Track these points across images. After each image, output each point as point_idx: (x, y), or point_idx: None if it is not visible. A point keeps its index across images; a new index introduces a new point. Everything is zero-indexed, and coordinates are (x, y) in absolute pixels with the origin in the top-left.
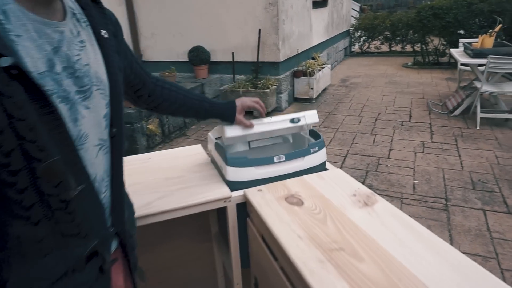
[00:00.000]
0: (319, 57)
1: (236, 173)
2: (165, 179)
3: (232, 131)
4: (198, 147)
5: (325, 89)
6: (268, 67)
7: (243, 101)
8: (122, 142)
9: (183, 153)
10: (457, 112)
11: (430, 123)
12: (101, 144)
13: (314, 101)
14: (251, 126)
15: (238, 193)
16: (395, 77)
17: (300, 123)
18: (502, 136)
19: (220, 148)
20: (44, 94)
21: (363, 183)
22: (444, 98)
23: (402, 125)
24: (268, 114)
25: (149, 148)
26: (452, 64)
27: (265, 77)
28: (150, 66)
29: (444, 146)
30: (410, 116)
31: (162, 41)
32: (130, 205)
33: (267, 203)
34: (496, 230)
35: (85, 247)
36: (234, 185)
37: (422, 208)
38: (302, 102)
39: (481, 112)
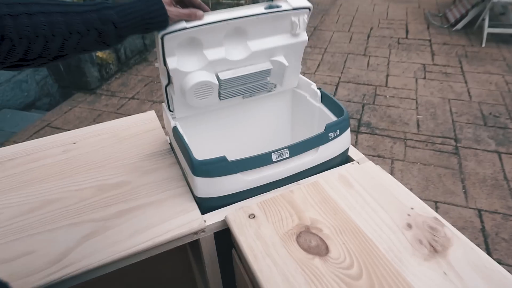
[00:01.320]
0: None
1: (211, 187)
2: (97, 190)
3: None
4: (151, 118)
5: None
6: None
7: None
8: None
9: (129, 129)
10: (459, 25)
11: (429, 40)
12: None
13: None
14: (197, 15)
15: (216, 216)
16: None
17: (281, 10)
18: (510, 56)
19: (181, 141)
20: None
21: (359, 119)
22: (443, 8)
23: (398, 43)
24: None
25: (103, 80)
26: None
27: None
28: None
29: (447, 69)
30: (407, 31)
31: None
32: None
33: (266, 249)
34: None
35: None
36: (208, 202)
37: (429, 151)
38: None
39: (488, 27)
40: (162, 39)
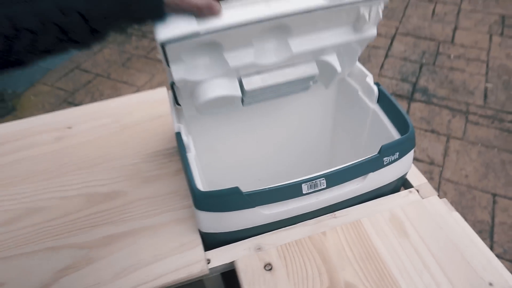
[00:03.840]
0: None
1: (218, 222)
2: (86, 200)
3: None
4: (161, 97)
5: None
6: None
7: None
8: None
9: (133, 113)
10: None
11: None
12: None
13: None
14: (212, 10)
15: (223, 256)
16: None
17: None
18: None
19: (184, 159)
20: None
21: (415, 83)
22: None
23: None
24: None
25: None
26: None
27: None
28: None
29: None
30: None
31: None
32: None
33: None
34: None
35: None
36: (215, 237)
37: (494, 131)
38: None
39: None
40: (162, 47)
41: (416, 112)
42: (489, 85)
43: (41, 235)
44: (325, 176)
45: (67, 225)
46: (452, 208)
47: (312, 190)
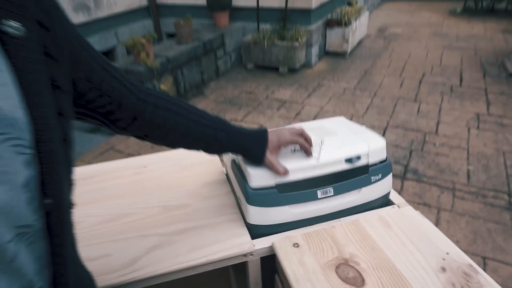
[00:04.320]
0: (356, 2)
1: (261, 215)
2: (163, 209)
3: (257, 180)
4: None
5: (360, 41)
6: (297, 15)
7: (280, 135)
8: (66, 217)
9: (190, 158)
10: None
11: (485, 89)
12: (20, 234)
13: (348, 56)
14: (285, 173)
15: (264, 242)
16: (441, 28)
17: (360, 163)
18: None
19: (239, 173)
20: None
21: (406, 165)
22: (501, 56)
23: (451, 91)
24: (295, 71)
25: None
26: (510, 12)
27: (294, 27)
28: (166, 11)
29: (504, 120)
30: (461, 79)
31: None
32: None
33: (307, 275)
34: None
35: None
36: (258, 229)
37: (479, 204)
38: (334, 56)
39: None
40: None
41: (409, 189)
42: (471, 167)
43: (133, 228)
44: (333, 186)
45: (152, 222)
46: (423, 216)
47: (324, 196)
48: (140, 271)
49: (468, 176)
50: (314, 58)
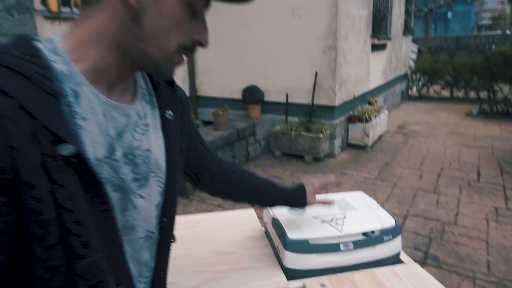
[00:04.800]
0: (376, 102)
1: (295, 260)
2: (215, 254)
3: (294, 233)
4: (251, 213)
5: (381, 136)
6: (322, 111)
7: (314, 184)
8: (171, 234)
9: (234, 219)
10: None
11: (503, 185)
12: (148, 236)
13: (369, 149)
14: (330, 203)
15: (296, 283)
16: (458, 127)
17: (375, 235)
18: None
19: (279, 227)
20: (99, 183)
21: (426, 252)
22: None
23: (469, 185)
24: (320, 160)
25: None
26: None
27: (319, 121)
28: (205, 102)
29: None
30: (479, 175)
31: (217, 78)
32: None
33: None
34: None
35: None
36: (291, 273)
37: None
38: (356, 149)
39: None
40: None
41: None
42: (491, 258)
43: (193, 265)
44: (353, 242)
45: (206, 263)
46: (427, 272)
47: (345, 249)
48: None
49: (488, 266)
50: (337, 149)
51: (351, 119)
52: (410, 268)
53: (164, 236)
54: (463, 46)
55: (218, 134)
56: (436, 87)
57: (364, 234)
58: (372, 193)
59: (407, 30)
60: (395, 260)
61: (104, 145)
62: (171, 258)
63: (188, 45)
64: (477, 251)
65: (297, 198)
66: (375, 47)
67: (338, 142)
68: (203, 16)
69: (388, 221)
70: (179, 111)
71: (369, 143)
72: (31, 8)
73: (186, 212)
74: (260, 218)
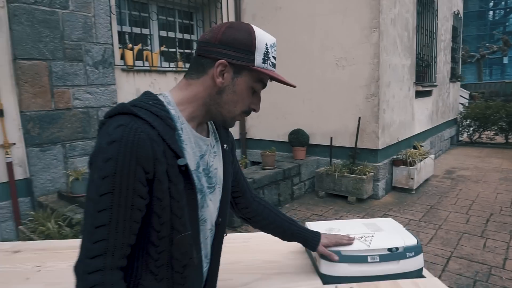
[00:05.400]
0: (421, 146)
1: (329, 267)
2: (263, 262)
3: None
4: None
5: (427, 180)
6: (366, 154)
7: (329, 238)
8: (223, 230)
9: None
10: None
11: None
12: (211, 229)
13: (414, 192)
14: (335, 259)
15: (330, 287)
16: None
17: (399, 251)
18: None
19: None
20: (194, 185)
21: None
22: None
23: None
24: (363, 201)
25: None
26: None
27: (363, 164)
28: (253, 143)
29: None
30: None
31: (265, 122)
32: None
33: None
34: None
35: None
36: (326, 278)
37: None
38: (400, 191)
39: None
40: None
41: None
42: None
43: (245, 268)
44: (379, 255)
45: (256, 267)
46: (444, 286)
47: (372, 261)
48: None
49: None
50: (381, 191)
51: (395, 163)
52: (430, 281)
53: (218, 232)
54: None
55: (265, 173)
56: (489, 133)
57: (389, 249)
58: (415, 234)
59: (454, 76)
60: (417, 275)
61: (194, 162)
62: (227, 262)
63: (247, 111)
64: None
65: (310, 241)
66: (419, 94)
67: (382, 184)
68: (259, 93)
69: (411, 240)
70: (229, 146)
71: (414, 187)
72: (113, 63)
73: None
74: None
